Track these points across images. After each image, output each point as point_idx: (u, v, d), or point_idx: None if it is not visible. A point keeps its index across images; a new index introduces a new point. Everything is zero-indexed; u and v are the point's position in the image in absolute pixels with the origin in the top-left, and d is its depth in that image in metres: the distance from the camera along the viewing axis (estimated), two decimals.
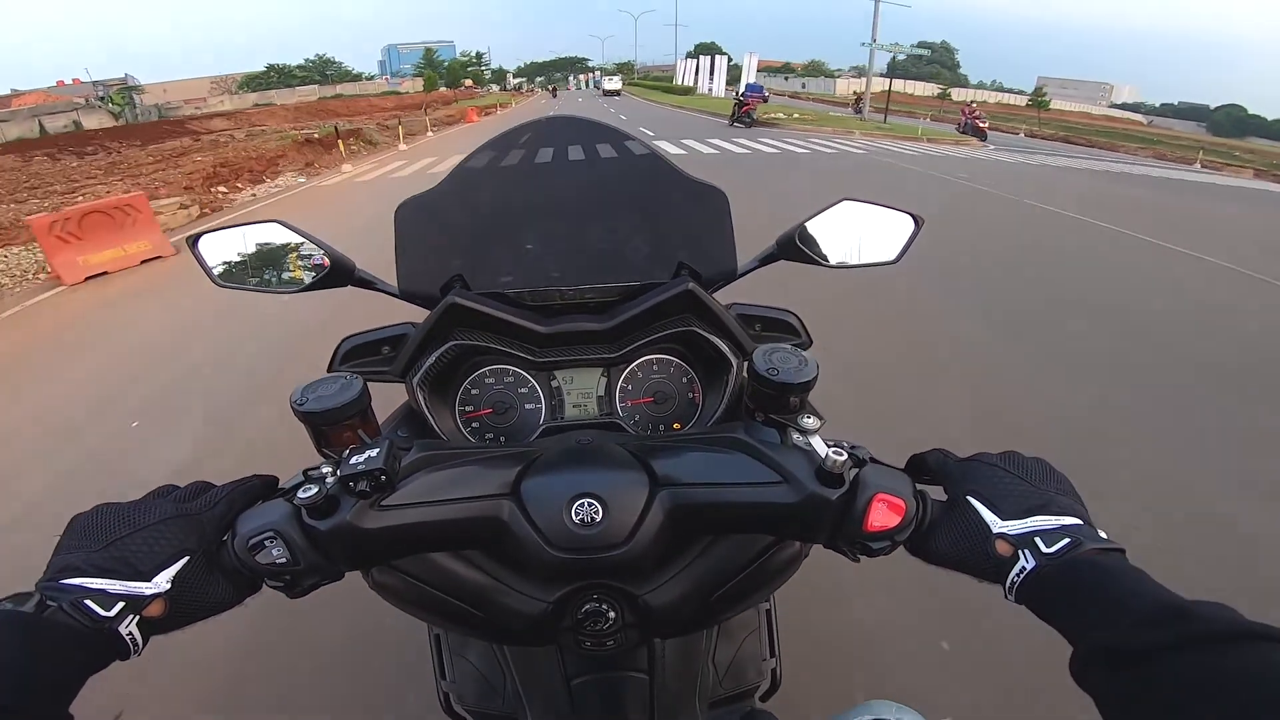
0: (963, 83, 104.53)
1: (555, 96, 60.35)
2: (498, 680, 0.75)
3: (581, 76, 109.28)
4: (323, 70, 74.06)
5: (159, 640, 0.44)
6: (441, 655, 0.83)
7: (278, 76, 73.45)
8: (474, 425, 0.74)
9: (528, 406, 0.75)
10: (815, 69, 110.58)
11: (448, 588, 0.58)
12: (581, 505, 0.49)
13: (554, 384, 0.76)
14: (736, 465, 0.51)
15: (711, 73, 47.60)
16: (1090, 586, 0.40)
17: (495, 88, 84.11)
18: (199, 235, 0.77)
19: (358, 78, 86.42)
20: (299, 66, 76.84)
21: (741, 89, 24.46)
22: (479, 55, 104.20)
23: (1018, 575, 0.43)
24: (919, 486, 0.50)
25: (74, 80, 51.98)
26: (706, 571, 0.59)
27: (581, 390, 0.77)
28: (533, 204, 0.80)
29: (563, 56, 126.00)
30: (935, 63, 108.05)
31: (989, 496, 0.47)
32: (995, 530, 0.45)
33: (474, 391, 0.74)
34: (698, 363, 0.76)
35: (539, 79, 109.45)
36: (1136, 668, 0.35)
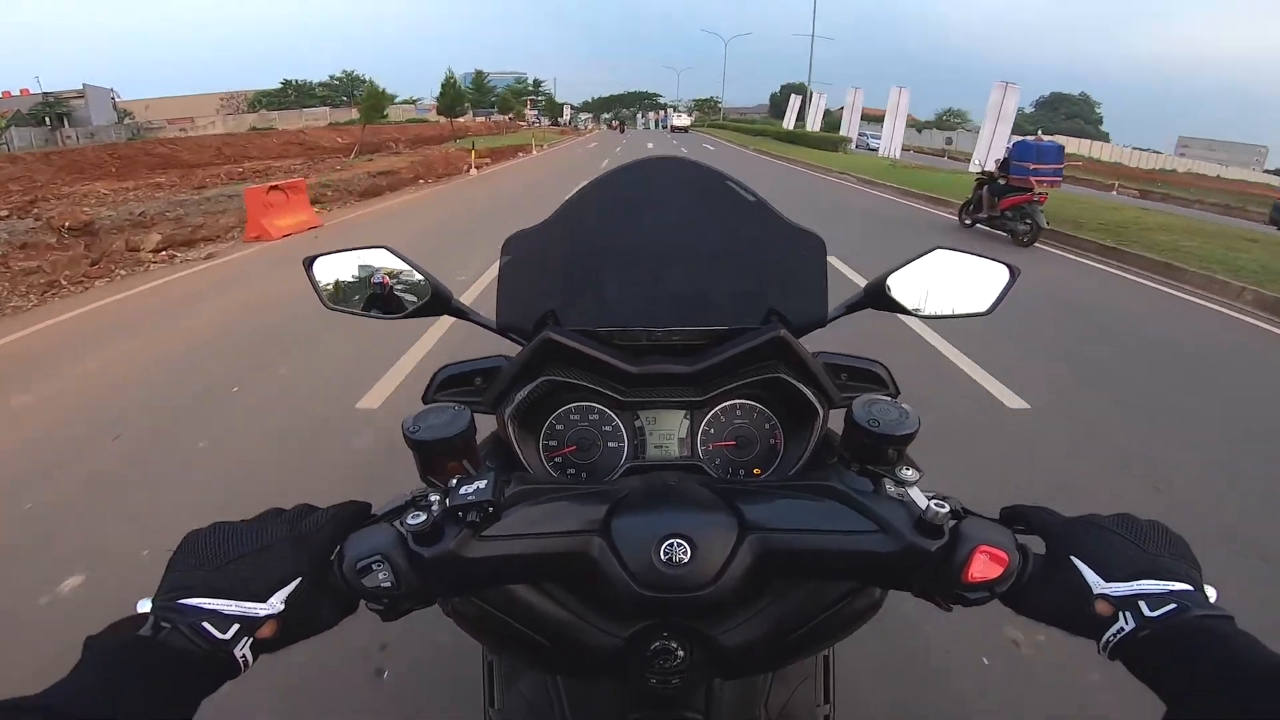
0: (1101, 137, 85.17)
1: (623, 134, 54.38)
2: (546, 712, 0.74)
3: (652, 114, 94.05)
4: (350, 89, 60.73)
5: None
6: (493, 682, 0.84)
7: (295, 94, 60.37)
8: (557, 460, 0.75)
9: (610, 445, 0.76)
10: (955, 119, 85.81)
11: (522, 618, 0.59)
12: (671, 545, 0.49)
13: (637, 424, 0.77)
14: (830, 513, 0.52)
15: (839, 115, 32.08)
16: (1196, 651, 0.40)
17: (544, 121, 69.33)
18: (314, 257, 0.82)
19: (389, 100, 74.06)
20: (322, 84, 63.88)
21: (997, 149, 13.09)
22: (537, 83, 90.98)
23: (1114, 635, 0.43)
24: (1020, 540, 0.49)
25: (21, 91, 39.15)
26: (782, 615, 0.59)
27: (664, 431, 0.77)
28: (628, 243, 0.81)
29: (632, 91, 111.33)
30: (1077, 116, 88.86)
31: (1094, 557, 0.46)
32: (1097, 591, 0.44)
33: (559, 427, 0.76)
34: (780, 408, 0.76)
35: (605, 115, 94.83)
36: None
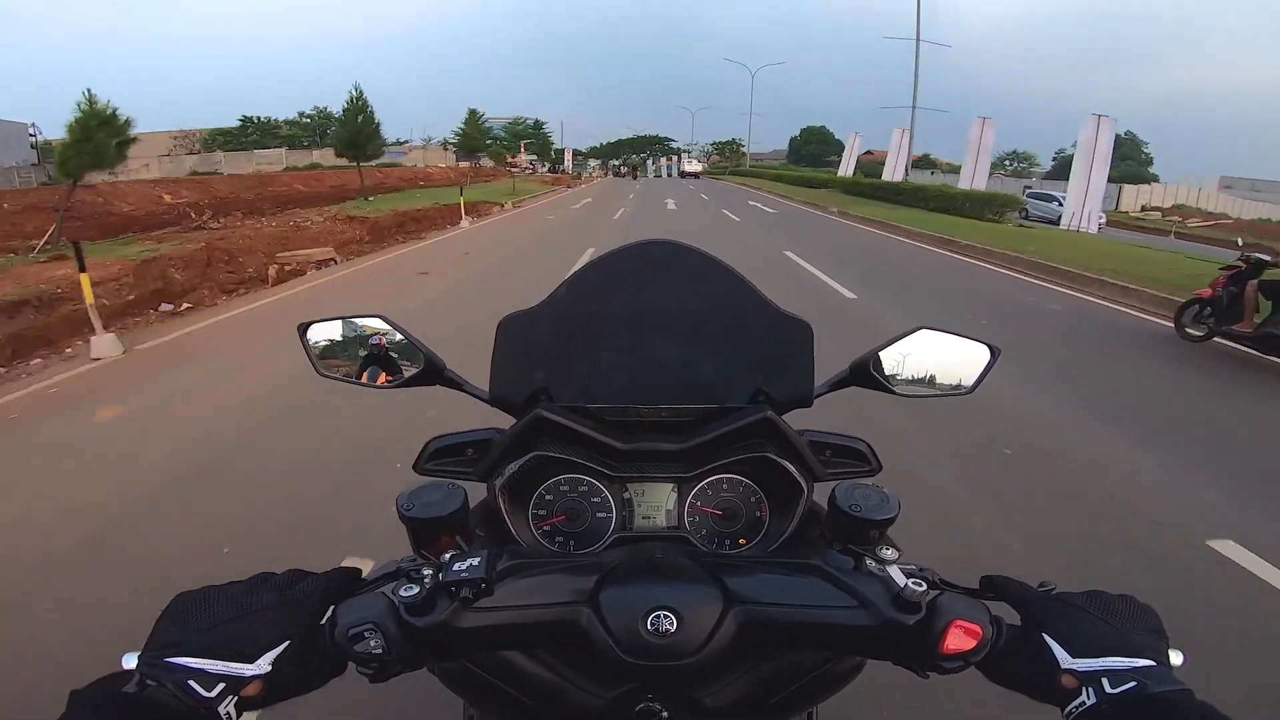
0: (1151, 179, 75.15)
1: (636, 179, 51.30)
2: None
3: (664, 160, 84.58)
4: (323, 128, 51.81)
5: None
6: None
7: (258, 133, 51.43)
8: (546, 529, 0.78)
9: (599, 515, 0.78)
10: (1022, 161, 72.38)
11: (508, 678, 0.61)
12: (657, 617, 0.51)
13: (626, 495, 0.79)
14: (812, 588, 0.55)
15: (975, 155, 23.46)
16: None
17: (541, 168, 60.15)
18: (308, 324, 0.85)
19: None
20: (289, 121, 55.05)
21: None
22: (538, 124, 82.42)
23: (1077, 707, 0.46)
24: (993, 613, 0.52)
25: None
26: (766, 678, 0.62)
27: (652, 503, 0.80)
28: (619, 323, 0.84)
29: (642, 135, 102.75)
30: (1129, 159, 78.68)
31: (1064, 634, 0.49)
32: (1064, 666, 0.47)
33: (549, 497, 0.78)
34: (766, 483, 0.79)
35: (614, 162, 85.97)
36: None
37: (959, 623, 0.50)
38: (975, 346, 0.84)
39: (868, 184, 25.97)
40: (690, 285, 0.85)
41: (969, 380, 0.85)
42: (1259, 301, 5.12)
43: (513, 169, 53.90)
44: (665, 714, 0.58)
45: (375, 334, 0.85)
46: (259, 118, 54.71)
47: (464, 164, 49.22)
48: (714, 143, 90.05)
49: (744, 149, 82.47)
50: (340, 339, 0.86)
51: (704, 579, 0.55)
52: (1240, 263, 5.35)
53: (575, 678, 0.61)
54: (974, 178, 21.64)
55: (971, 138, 22.06)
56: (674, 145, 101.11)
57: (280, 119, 55.66)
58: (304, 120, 56.92)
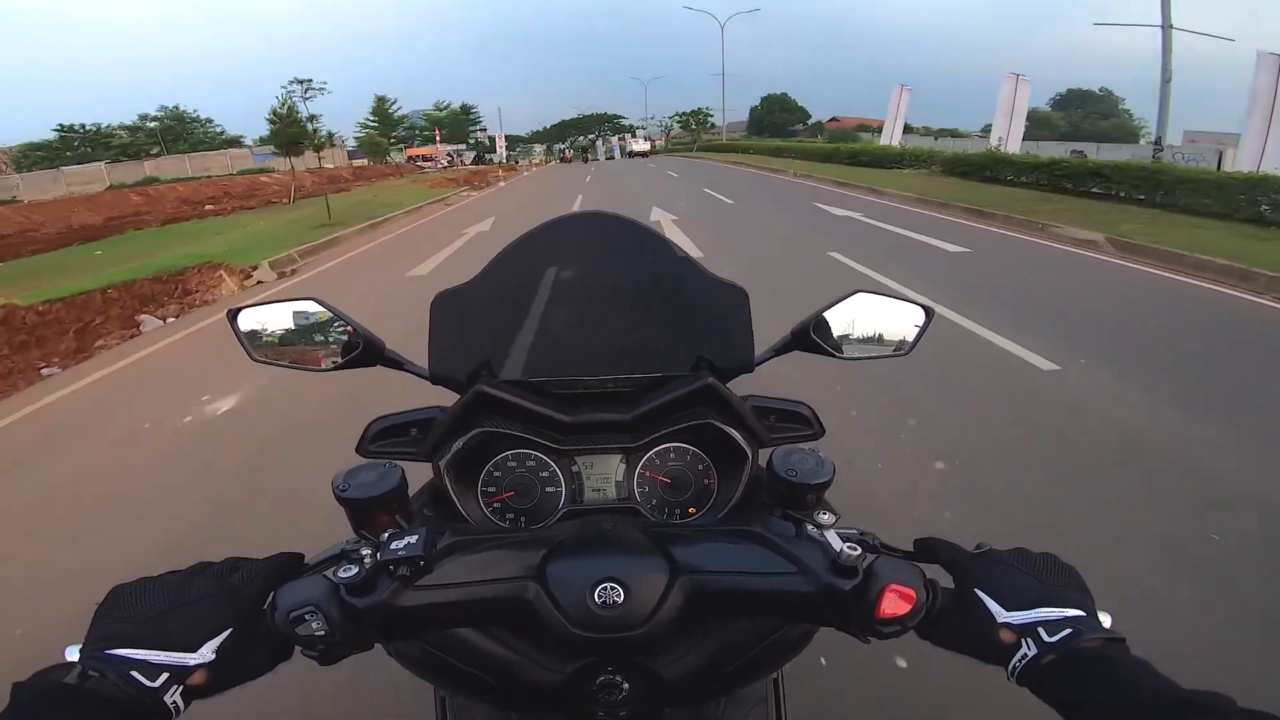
0: (1135, 138, 67.03)
1: (586, 162, 44.79)
2: None
3: (615, 140, 72.66)
4: (175, 133, 38.79)
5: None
6: (446, 717, 0.84)
7: (90, 145, 38.37)
8: (496, 506, 0.78)
9: (548, 490, 0.79)
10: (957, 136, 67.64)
11: (466, 658, 0.62)
12: (604, 589, 0.52)
13: (574, 469, 0.80)
14: (753, 555, 0.56)
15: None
16: (1092, 675, 0.43)
17: (464, 160, 47.91)
18: (238, 310, 0.82)
19: (232, 142, 51.75)
20: (127, 127, 41.80)
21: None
22: (466, 110, 69.55)
23: (1019, 661, 0.46)
24: (928, 576, 0.53)
25: None
26: (721, 646, 0.63)
27: (601, 475, 0.81)
28: (559, 296, 0.85)
29: (589, 114, 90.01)
30: (1111, 115, 70.40)
31: (996, 589, 0.50)
32: (1000, 620, 0.48)
33: (497, 474, 0.79)
34: (712, 450, 0.80)
35: (559, 146, 73.36)
36: None
37: (893, 587, 0.52)
38: (910, 308, 0.88)
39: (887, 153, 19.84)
40: (626, 256, 0.87)
41: (906, 339, 0.87)
42: None
43: (423, 164, 41.57)
44: (626, 685, 0.58)
45: (310, 316, 0.83)
46: (85, 126, 40.94)
47: (359, 162, 36.92)
48: (677, 114, 77.44)
49: (712, 119, 70.38)
50: (273, 323, 0.84)
51: (650, 550, 0.56)
52: None
53: (533, 654, 0.61)
54: (1007, 139, 18.45)
55: (1004, 95, 18.84)
56: (626, 122, 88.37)
57: (117, 125, 41.92)
58: (147, 124, 43.29)
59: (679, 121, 74.66)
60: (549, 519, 0.79)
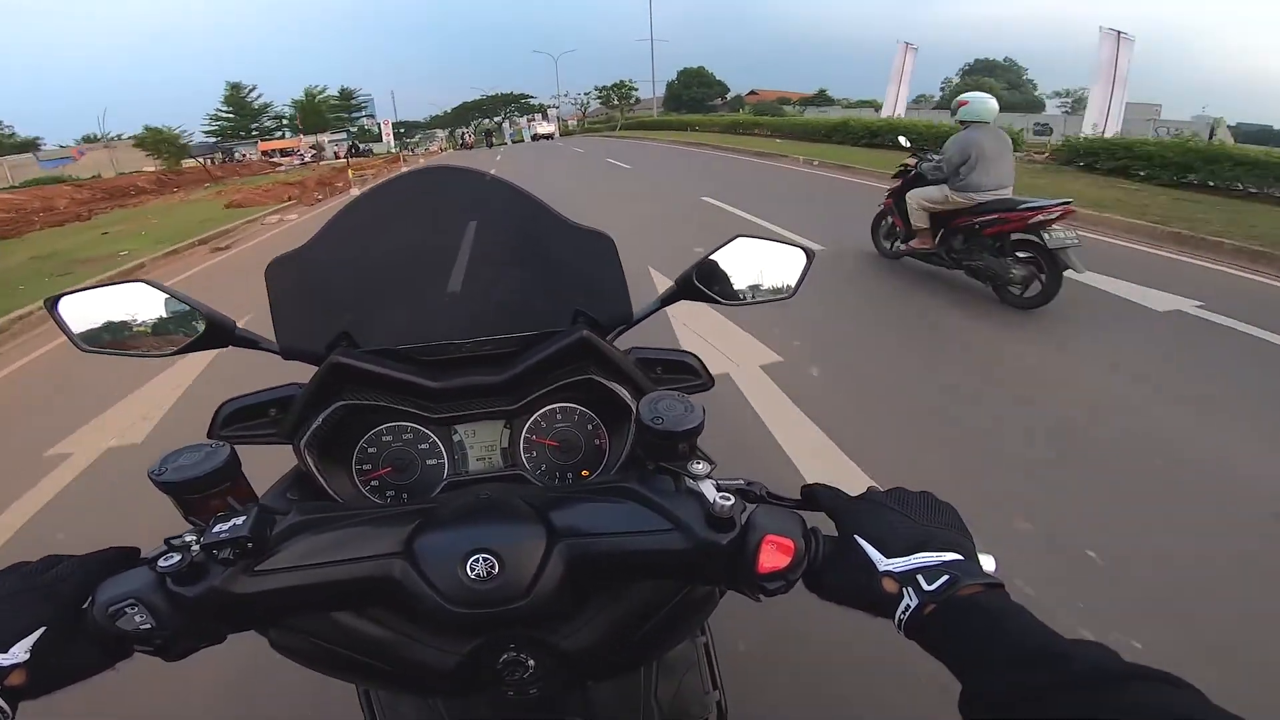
0: (1040, 107, 67.53)
1: (491, 147, 39.48)
2: None
3: (524, 120, 65.02)
4: None
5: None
6: (372, 707, 0.82)
7: None
8: (373, 484, 0.75)
9: (429, 462, 0.77)
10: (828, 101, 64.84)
11: (353, 645, 0.59)
12: (476, 561, 0.50)
13: (456, 438, 0.77)
14: (630, 515, 0.54)
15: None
16: (972, 626, 0.43)
17: (334, 152, 39.36)
18: (58, 297, 0.76)
19: (24, 146, 41.23)
20: None
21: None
22: (346, 94, 59.85)
23: (903, 613, 0.45)
24: (810, 525, 0.52)
25: None
26: (623, 614, 0.61)
27: (484, 443, 0.78)
28: (420, 255, 0.80)
29: (494, 94, 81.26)
30: (1016, 87, 70.62)
31: (875, 534, 0.49)
32: (881, 568, 0.47)
33: (371, 450, 0.75)
34: (600, 408, 0.78)
35: (461, 130, 64.84)
36: (1015, 709, 0.37)
37: (771, 537, 0.49)
38: (791, 250, 0.87)
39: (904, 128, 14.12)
40: (484, 210, 0.82)
41: (789, 282, 0.87)
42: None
43: (278, 160, 33.44)
44: (532, 663, 0.57)
45: (142, 300, 0.77)
46: None
47: (195, 161, 32.28)
48: (596, 89, 69.92)
49: (636, 92, 63.59)
50: (102, 310, 0.77)
51: (527, 516, 0.54)
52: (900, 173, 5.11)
53: (420, 635, 0.58)
54: (896, 106, 19.55)
55: (895, 65, 19.60)
56: (535, 101, 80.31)
57: None
58: None
59: (598, 97, 66.98)
60: (432, 493, 0.76)
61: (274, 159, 35.84)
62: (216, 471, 0.54)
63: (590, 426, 0.78)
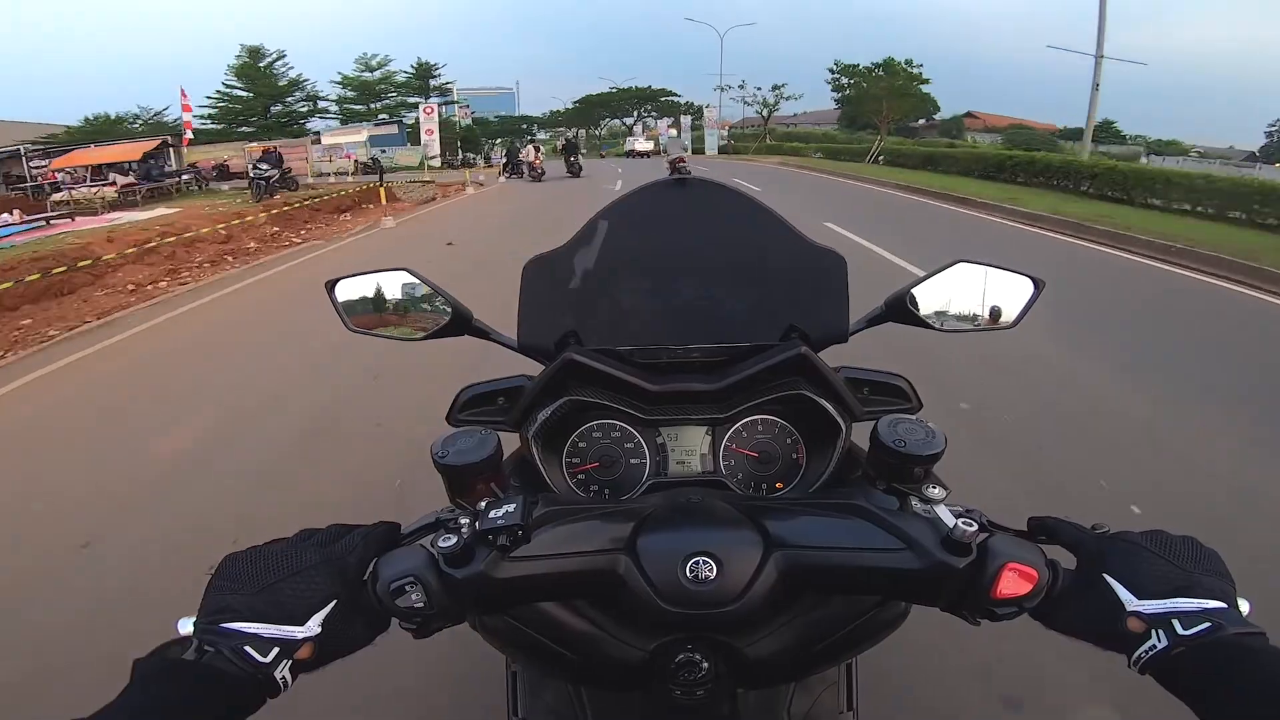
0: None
1: (574, 173, 24.53)
2: None
3: (667, 126, 51.58)
4: None
5: None
6: (516, 692, 0.91)
7: None
8: (580, 477, 0.86)
9: (633, 461, 0.86)
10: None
11: (549, 632, 0.67)
12: (697, 562, 0.55)
13: (659, 440, 0.86)
14: (855, 530, 0.58)
15: None
16: (1228, 670, 0.45)
17: (264, 174, 18.60)
18: (335, 281, 0.93)
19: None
20: None
21: None
22: (424, 67, 42.05)
23: (1147, 651, 0.49)
24: (1049, 556, 0.59)
25: None
26: (809, 626, 0.67)
27: (686, 447, 0.86)
28: (647, 263, 0.92)
29: (625, 87, 62.11)
30: None
31: (1128, 574, 0.52)
32: (1130, 608, 0.50)
33: (582, 444, 0.85)
34: (802, 423, 0.85)
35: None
36: None
37: (1013, 565, 0.52)
38: (1017, 279, 0.90)
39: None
40: (718, 222, 0.91)
41: (1010, 314, 0.89)
42: None
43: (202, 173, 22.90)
44: (705, 664, 0.61)
45: (401, 285, 0.92)
46: None
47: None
48: (753, 91, 50.52)
49: (793, 99, 46.43)
50: (368, 294, 0.92)
51: (743, 523, 0.59)
52: None
53: (615, 629, 0.65)
54: None
55: None
56: (679, 99, 60.73)
57: None
58: None
59: (764, 106, 45.88)
60: (633, 491, 0.85)
61: (68, 189, 16.40)
62: (488, 459, 0.63)
63: (790, 440, 0.85)
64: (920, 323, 0.87)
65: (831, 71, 44.46)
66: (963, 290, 0.85)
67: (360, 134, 35.63)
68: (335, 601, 0.51)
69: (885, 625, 0.69)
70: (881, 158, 26.68)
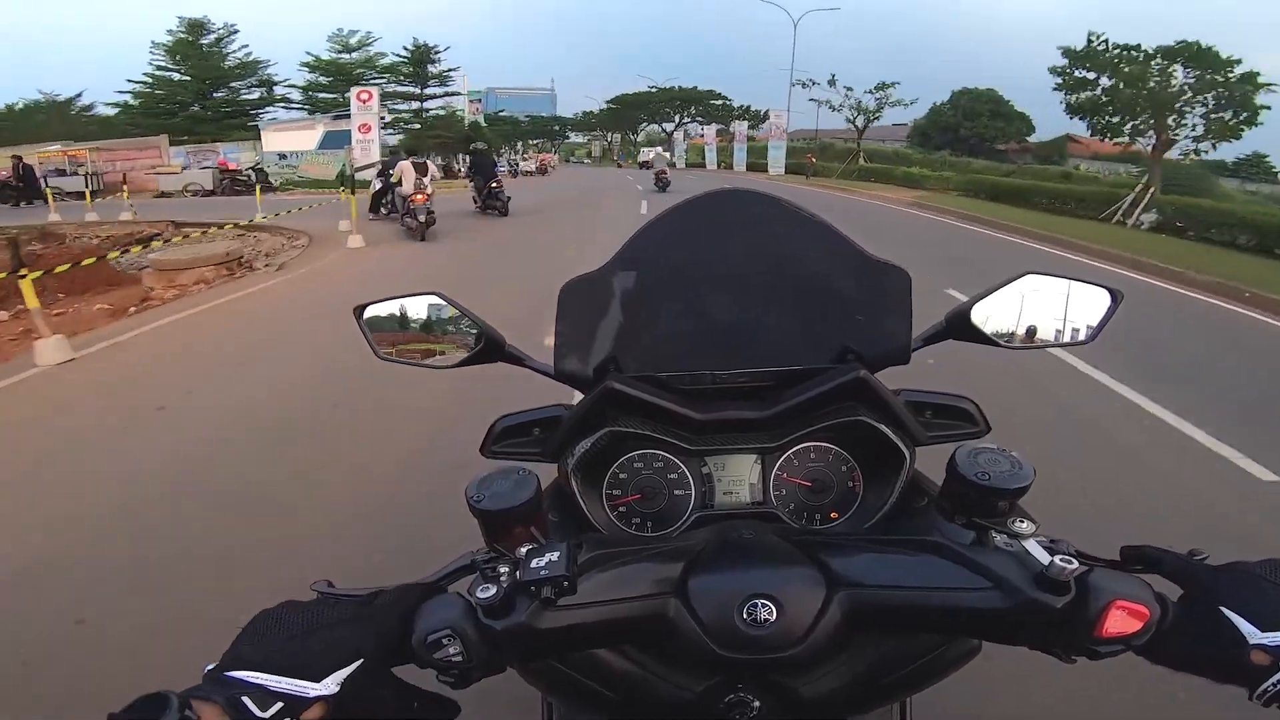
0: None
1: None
2: None
3: (711, 132, 48.10)
4: None
5: None
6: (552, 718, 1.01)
7: None
8: (621, 510, 0.85)
9: (677, 492, 0.85)
10: None
11: (590, 673, 0.66)
12: (754, 606, 0.55)
13: (705, 470, 0.86)
14: (930, 567, 0.57)
15: None
16: None
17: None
18: (364, 306, 0.94)
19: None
20: None
21: None
22: (421, 50, 33.93)
23: (1274, 685, 0.49)
24: (1156, 590, 0.59)
25: None
26: (871, 664, 0.66)
27: (734, 477, 0.85)
28: (689, 284, 0.91)
29: (666, 87, 53.46)
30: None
31: (1248, 607, 0.51)
32: (1254, 641, 0.50)
33: (623, 475, 0.85)
34: (858, 450, 0.85)
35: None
36: None
37: (1121, 603, 0.50)
38: (1092, 290, 0.86)
39: None
40: (767, 237, 0.89)
41: (1086, 328, 0.86)
42: None
43: None
44: (757, 704, 0.60)
45: (430, 311, 0.93)
46: None
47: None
48: (846, 93, 41.73)
49: (897, 102, 40.53)
50: (397, 319, 0.92)
51: (802, 561, 0.57)
52: None
53: (662, 671, 0.63)
54: None
55: None
56: (729, 104, 53.83)
57: None
58: None
59: (858, 114, 37.17)
60: (678, 525, 0.84)
61: None
62: (527, 503, 0.62)
63: (845, 468, 0.84)
64: (985, 339, 0.85)
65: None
66: (1032, 304, 0.83)
67: (314, 129, 27.97)
68: (361, 661, 0.49)
69: (953, 662, 0.68)
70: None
